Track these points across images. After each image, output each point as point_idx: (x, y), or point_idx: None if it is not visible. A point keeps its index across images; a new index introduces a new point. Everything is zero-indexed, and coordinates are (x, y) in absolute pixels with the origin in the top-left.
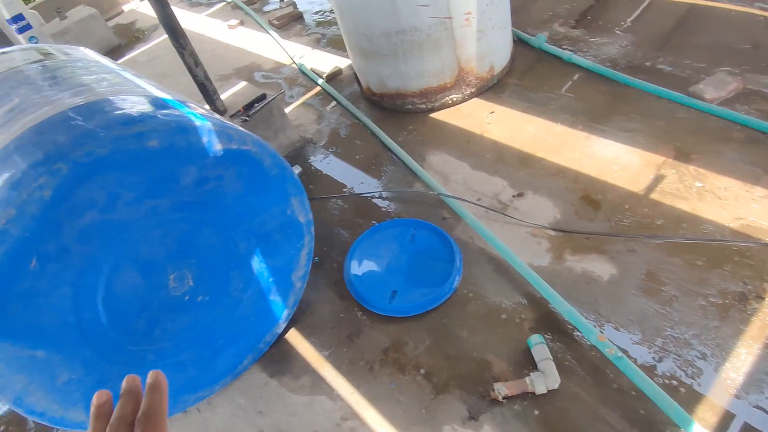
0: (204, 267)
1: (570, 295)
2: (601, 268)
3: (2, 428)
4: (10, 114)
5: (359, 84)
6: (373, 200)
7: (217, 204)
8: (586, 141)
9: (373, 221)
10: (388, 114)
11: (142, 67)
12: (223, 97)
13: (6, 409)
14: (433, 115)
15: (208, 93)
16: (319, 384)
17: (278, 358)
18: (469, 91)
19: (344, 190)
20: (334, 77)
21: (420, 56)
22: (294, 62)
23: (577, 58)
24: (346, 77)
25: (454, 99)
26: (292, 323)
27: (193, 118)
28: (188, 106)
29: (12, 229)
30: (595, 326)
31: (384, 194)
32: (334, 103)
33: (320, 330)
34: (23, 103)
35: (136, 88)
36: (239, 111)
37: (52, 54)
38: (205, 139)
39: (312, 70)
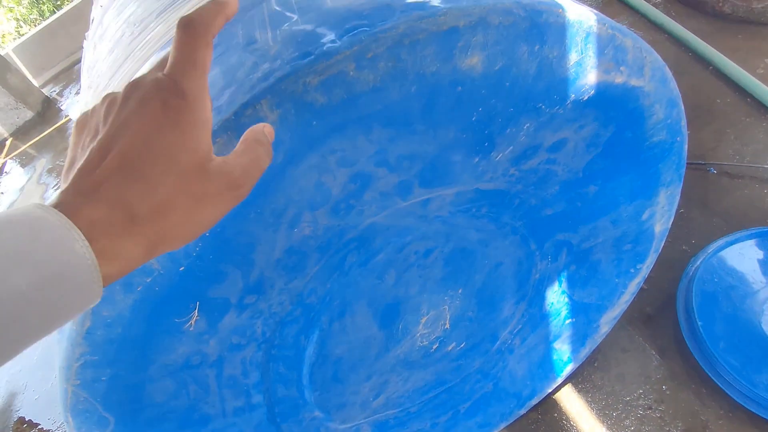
0: (470, 301)
1: None
2: None
3: None
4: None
5: None
6: (715, 176)
7: (536, 192)
8: None
9: (724, 225)
10: (721, 27)
11: None
12: None
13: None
14: None
15: None
16: None
17: None
18: None
19: None
20: None
21: None
22: None
23: None
24: None
25: None
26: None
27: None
28: None
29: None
30: None
31: (735, 167)
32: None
33: (617, 404)
34: None
35: None
36: None
37: None
38: (575, 49)
39: None
